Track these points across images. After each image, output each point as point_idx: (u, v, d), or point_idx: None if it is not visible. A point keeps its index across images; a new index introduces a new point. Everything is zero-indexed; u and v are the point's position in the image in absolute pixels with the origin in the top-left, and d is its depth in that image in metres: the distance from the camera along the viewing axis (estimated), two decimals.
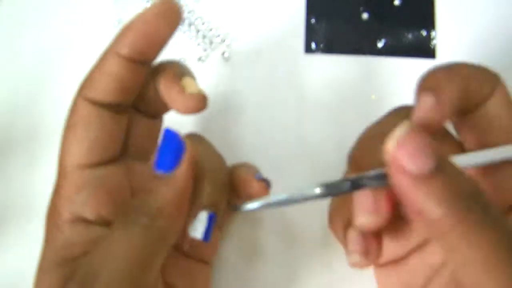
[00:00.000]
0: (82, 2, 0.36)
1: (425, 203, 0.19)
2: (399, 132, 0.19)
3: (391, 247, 0.26)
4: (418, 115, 0.22)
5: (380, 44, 0.35)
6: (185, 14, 0.36)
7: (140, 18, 0.24)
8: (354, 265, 0.24)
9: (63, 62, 0.35)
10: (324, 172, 0.32)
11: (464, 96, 0.22)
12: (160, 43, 0.24)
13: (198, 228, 0.24)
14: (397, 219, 0.26)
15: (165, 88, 0.25)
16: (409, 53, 0.34)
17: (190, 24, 0.36)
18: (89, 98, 0.24)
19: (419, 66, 0.34)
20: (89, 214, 0.23)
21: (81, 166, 0.23)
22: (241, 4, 0.36)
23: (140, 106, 0.26)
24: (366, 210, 0.23)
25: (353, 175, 0.23)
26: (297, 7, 0.35)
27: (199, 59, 0.35)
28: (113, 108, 0.24)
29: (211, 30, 0.35)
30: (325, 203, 0.26)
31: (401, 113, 0.24)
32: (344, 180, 0.22)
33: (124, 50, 0.23)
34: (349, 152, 0.25)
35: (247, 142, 0.33)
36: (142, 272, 0.21)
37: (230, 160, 0.29)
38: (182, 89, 0.24)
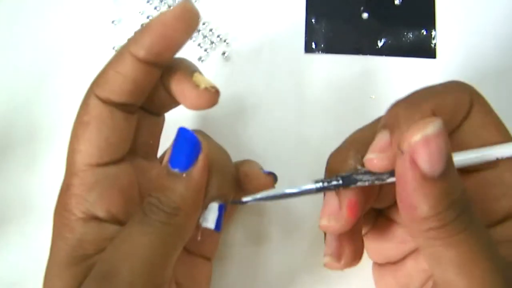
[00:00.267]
0: (82, 1, 0.36)
1: (421, 201, 0.19)
2: (430, 129, 0.19)
3: (387, 250, 0.27)
4: (372, 151, 0.22)
5: (380, 44, 0.35)
6: None
7: (159, 20, 0.23)
8: (326, 266, 0.24)
9: (63, 61, 0.35)
10: (323, 171, 0.32)
11: None
12: (177, 47, 0.24)
13: (209, 219, 0.24)
14: (389, 221, 0.26)
15: (176, 85, 0.25)
16: (409, 53, 0.34)
17: None
18: (103, 97, 0.24)
19: (419, 66, 0.34)
20: (101, 212, 0.23)
21: (92, 165, 0.23)
22: (241, 4, 0.36)
23: (146, 104, 0.26)
24: (328, 214, 0.23)
25: (345, 172, 0.23)
26: (297, 7, 0.35)
27: (199, 59, 0.35)
28: (126, 108, 0.24)
29: (211, 30, 0.35)
30: None
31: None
32: (336, 176, 0.23)
33: (141, 52, 0.23)
34: (330, 156, 0.25)
35: (247, 142, 0.33)
36: (160, 268, 0.22)
37: (231, 155, 0.29)
38: (195, 85, 0.24)
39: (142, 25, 0.24)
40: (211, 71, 0.34)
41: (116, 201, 0.24)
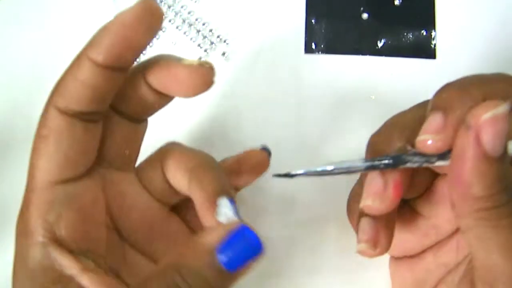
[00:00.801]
0: (82, 1, 0.36)
1: (477, 180, 0.20)
2: (500, 109, 0.19)
3: (408, 242, 0.26)
4: (425, 132, 0.21)
5: (380, 44, 0.35)
6: (185, 15, 0.36)
7: (118, 21, 0.22)
8: (360, 253, 0.24)
9: (63, 61, 0.35)
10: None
11: None
12: (139, 49, 0.23)
13: (226, 212, 0.22)
14: (414, 212, 0.26)
15: (166, 73, 0.23)
16: (409, 53, 0.34)
17: (190, 25, 0.36)
18: (62, 107, 0.22)
19: (419, 66, 0.34)
20: (61, 234, 0.22)
21: (51, 182, 0.22)
22: (241, 4, 0.36)
23: (121, 108, 0.24)
24: (373, 193, 0.23)
25: (392, 153, 0.23)
26: (297, 7, 0.35)
27: (199, 59, 0.35)
28: (86, 116, 0.23)
29: (211, 30, 0.35)
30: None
31: (426, 106, 0.23)
32: (387, 156, 0.23)
33: (99, 56, 0.22)
34: (370, 137, 0.25)
35: (247, 142, 0.33)
36: None
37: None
38: (187, 65, 0.23)
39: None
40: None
41: (77, 221, 0.23)
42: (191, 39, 0.35)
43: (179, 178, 0.25)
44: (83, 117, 0.23)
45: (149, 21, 0.22)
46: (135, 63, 0.24)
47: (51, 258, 0.22)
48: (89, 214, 0.23)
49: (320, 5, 0.35)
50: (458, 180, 0.20)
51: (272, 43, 0.35)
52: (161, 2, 0.36)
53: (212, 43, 0.35)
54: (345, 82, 0.34)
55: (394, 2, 0.35)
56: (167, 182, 0.25)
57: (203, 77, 0.23)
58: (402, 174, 0.23)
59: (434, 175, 0.25)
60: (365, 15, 0.35)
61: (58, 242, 0.22)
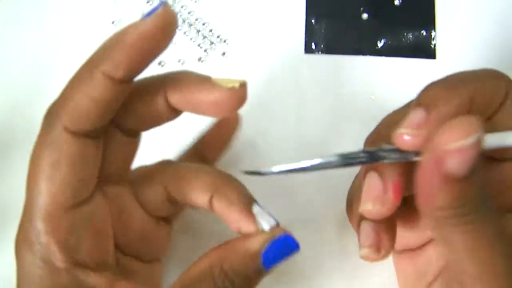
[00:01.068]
0: (82, 1, 0.36)
1: (438, 196, 0.19)
2: (467, 141, 0.18)
3: (408, 236, 0.26)
4: (404, 126, 0.21)
5: (380, 44, 0.35)
6: (185, 15, 0.36)
7: (136, 32, 0.20)
8: (364, 258, 0.23)
9: (63, 61, 0.35)
10: (324, 171, 0.32)
11: (470, 110, 0.21)
12: (156, 58, 0.22)
13: (266, 218, 0.23)
14: (413, 209, 0.26)
15: (195, 94, 0.22)
16: (409, 53, 0.34)
17: (190, 25, 0.36)
18: (73, 129, 0.21)
19: (419, 66, 0.34)
20: (81, 256, 0.22)
21: (67, 207, 0.21)
22: (241, 4, 0.36)
23: (125, 123, 0.24)
24: (372, 197, 0.22)
25: (371, 148, 0.22)
26: (297, 7, 0.35)
27: (199, 59, 0.35)
28: (94, 133, 0.22)
29: (211, 30, 0.35)
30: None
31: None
32: (361, 151, 0.22)
33: (119, 72, 0.21)
34: (366, 137, 0.25)
35: (247, 142, 0.33)
36: None
37: (230, 159, 0.29)
38: (221, 88, 0.22)
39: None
40: (211, 71, 0.34)
41: (92, 240, 0.22)
42: (191, 39, 0.35)
43: (196, 197, 0.24)
44: (91, 134, 0.22)
45: (169, 31, 0.21)
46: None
47: (78, 280, 0.22)
48: (101, 231, 0.23)
49: (320, 5, 0.35)
50: (421, 189, 0.20)
51: (272, 43, 0.35)
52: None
53: (212, 43, 0.35)
54: (345, 82, 0.34)
55: (394, 2, 0.35)
56: (168, 199, 0.25)
57: (238, 99, 0.23)
58: (401, 174, 0.22)
59: None
60: (365, 15, 0.35)
61: (79, 263, 0.22)
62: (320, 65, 0.34)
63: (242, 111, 0.34)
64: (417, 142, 0.21)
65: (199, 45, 0.35)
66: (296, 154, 0.33)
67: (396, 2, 0.35)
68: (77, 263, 0.22)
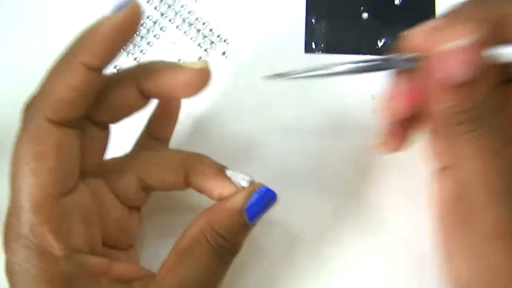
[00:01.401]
0: (82, 1, 0.36)
1: (443, 99, 0.20)
2: (460, 42, 0.19)
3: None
4: (418, 29, 0.23)
5: (380, 44, 0.35)
6: (185, 15, 0.36)
7: (110, 23, 0.22)
8: (374, 147, 0.26)
9: None
10: (324, 171, 0.32)
11: (500, 34, 0.21)
12: (123, 48, 0.23)
13: (241, 176, 0.25)
14: None
15: (168, 79, 0.24)
16: None
17: (190, 24, 0.36)
18: (53, 118, 0.22)
19: None
20: (75, 242, 0.23)
21: (56, 197, 0.22)
22: (241, 4, 0.36)
23: (97, 115, 0.24)
24: (396, 96, 0.24)
25: (385, 55, 0.23)
26: (297, 7, 0.35)
27: (199, 59, 0.35)
28: (74, 123, 0.23)
29: (211, 30, 0.35)
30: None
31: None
32: (376, 58, 0.23)
33: (96, 61, 0.22)
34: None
35: (247, 142, 0.33)
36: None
37: (230, 160, 0.29)
38: (190, 70, 0.24)
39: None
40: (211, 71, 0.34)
41: (83, 227, 0.23)
42: (191, 38, 0.35)
43: (172, 178, 0.26)
44: (72, 124, 0.23)
45: (137, 23, 0.23)
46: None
47: (78, 265, 0.22)
48: (89, 218, 0.24)
49: (320, 4, 0.35)
50: (426, 94, 0.21)
51: (272, 43, 0.35)
52: (161, 2, 0.36)
53: (212, 42, 0.35)
54: (345, 82, 0.34)
55: (394, 2, 0.35)
56: (142, 187, 0.26)
57: (206, 78, 0.24)
58: (415, 81, 0.23)
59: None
60: (365, 15, 0.35)
61: (75, 250, 0.22)
62: None
63: (242, 110, 0.34)
64: (426, 43, 0.21)
65: (199, 44, 0.35)
66: (296, 154, 0.33)
67: (396, 2, 0.35)
68: (74, 250, 0.22)
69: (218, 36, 0.35)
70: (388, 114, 0.25)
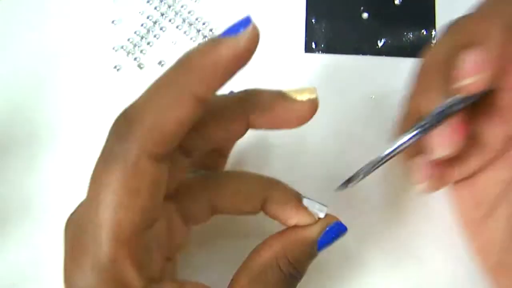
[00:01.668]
0: (82, 1, 0.36)
1: None
2: None
3: (464, 165, 0.27)
4: (466, 75, 0.21)
5: (380, 44, 0.35)
6: (185, 15, 0.36)
7: (230, 52, 0.19)
8: (421, 191, 0.25)
9: (63, 61, 0.35)
10: (324, 171, 0.32)
11: None
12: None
13: (318, 207, 0.25)
14: (470, 138, 0.26)
15: (277, 109, 0.23)
16: (409, 53, 0.34)
17: (190, 24, 0.36)
18: (154, 153, 0.20)
19: None
20: (152, 274, 0.22)
21: (141, 230, 0.21)
22: (241, 4, 0.36)
23: (191, 146, 0.23)
24: (444, 143, 0.23)
25: (438, 107, 0.22)
26: (297, 7, 0.35)
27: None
28: (169, 156, 0.21)
29: (211, 30, 0.35)
30: None
31: (453, 41, 0.23)
32: (431, 115, 0.23)
33: (209, 92, 0.20)
34: (403, 100, 0.24)
35: (247, 142, 0.33)
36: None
37: (230, 160, 0.29)
38: (300, 102, 0.23)
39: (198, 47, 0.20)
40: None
41: (160, 257, 0.23)
42: (191, 38, 0.35)
43: (248, 206, 0.25)
44: (167, 157, 0.21)
45: (256, 49, 0.20)
46: None
47: None
48: (164, 245, 0.24)
49: (320, 4, 0.35)
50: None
51: (272, 43, 0.35)
52: (161, 2, 0.36)
53: None
54: (345, 82, 0.34)
55: (394, 2, 0.35)
56: (212, 212, 0.26)
57: (316, 108, 0.23)
58: (461, 114, 0.23)
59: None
60: (365, 15, 0.35)
61: (152, 279, 0.22)
62: (320, 64, 0.34)
63: None
64: (482, 85, 0.21)
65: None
66: (296, 154, 0.33)
67: (397, 2, 0.35)
68: (151, 279, 0.21)
69: None
70: (451, 151, 0.23)
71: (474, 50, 0.21)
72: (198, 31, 0.35)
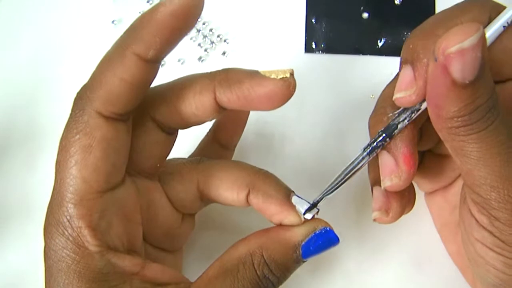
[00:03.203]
0: (82, 1, 0.36)
1: (447, 104, 0.20)
2: (466, 43, 0.18)
3: (438, 180, 0.28)
4: (399, 89, 0.22)
5: (380, 44, 0.35)
6: None
7: (166, 10, 0.20)
8: (375, 220, 0.24)
9: (63, 61, 0.35)
10: (324, 171, 0.32)
11: None
12: (182, 38, 0.21)
13: (304, 205, 0.23)
14: (440, 156, 0.27)
15: (247, 87, 0.22)
16: None
17: None
18: (103, 111, 0.21)
19: None
20: (112, 240, 0.22)
21: (99, 192, 0.21)
22: (241, 4, 0.36)
23: (164, 121, 0.24)
24: (388, 174, 0.23)
25: (382, 127, 0.23)
26: (297, 7, 0.35)
27: (199, 59, 0.35)
28: (124, 117, 0.22)
29: (211, 30, 0.35)
30: None
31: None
32: (378, 132, 0.23)
33: (151, 52, 0.20)
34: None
35: (247, 142, 0.33)
36: None
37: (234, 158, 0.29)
38: (273, 80, 0.22)
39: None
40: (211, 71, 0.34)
41: (122, 226, 0.23)
42: (191, 38, 0.35)
43: (231, 195, 0.25)
44: (122, 118, 0.22)
45: (197, 8, 0.21)
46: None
47: (111, 263, 0.21)
48: (131, 217, 0.23)
49: (320, 4, 0.35)
50: (431, 101, 0.20)
51: (272, 43, 0.35)
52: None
53: (212, 42, 0.35)
54: (345, 81, 0.34)
55: (394, 2, 0.35)
56: (199, 197, 0.25)
57: (291, 88, 0.22)
58: (408, 143, 0.23)
59: None
60: (365, 15, 0.35)
61: (111, 247, 0.22)
62: (320, 64, 0.34)
63: None
64: (414, 99, 0.22)
65: (199, 44, 0.35)
66: (296, 154, 0.33)
67: (397, 1, 0.35)
68: (109, 247, 0.22)
69: (218, 36, 0.35)
70: (398, 184, 0.23)
71: (404, 68, 0.22)
72: (198, 31, 0.35)
